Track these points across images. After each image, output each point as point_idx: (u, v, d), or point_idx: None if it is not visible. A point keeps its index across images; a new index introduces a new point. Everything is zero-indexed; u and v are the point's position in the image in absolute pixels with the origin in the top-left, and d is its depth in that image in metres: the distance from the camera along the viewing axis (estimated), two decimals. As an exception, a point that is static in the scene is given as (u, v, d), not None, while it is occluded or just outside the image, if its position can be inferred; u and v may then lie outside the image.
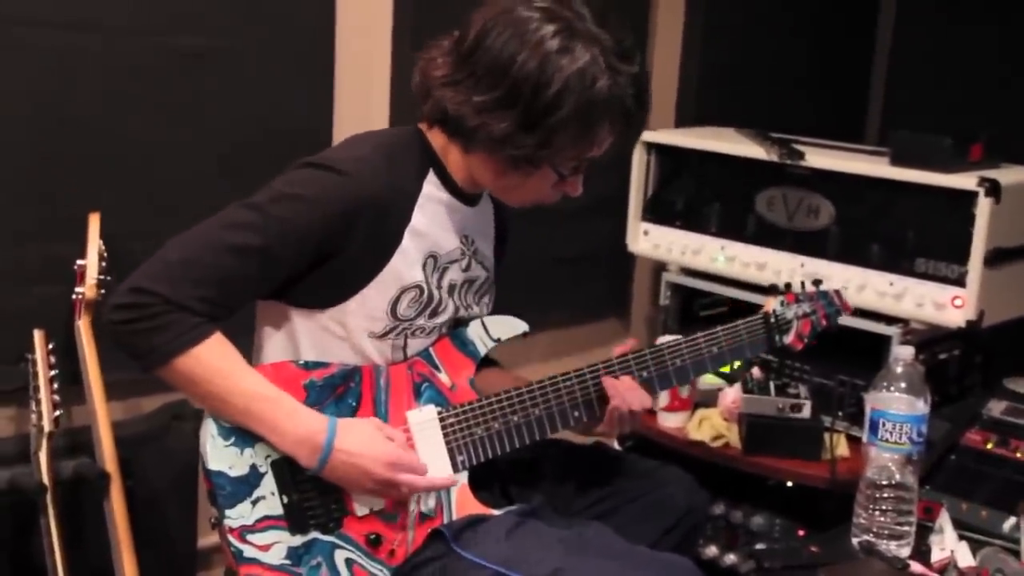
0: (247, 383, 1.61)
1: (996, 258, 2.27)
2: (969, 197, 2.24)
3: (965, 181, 2.26)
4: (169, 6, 2.16)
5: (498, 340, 1.80)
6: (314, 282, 1.66)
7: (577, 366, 1.80)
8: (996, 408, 2.23)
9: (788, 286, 2.01)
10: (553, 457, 1.95)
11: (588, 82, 1.60)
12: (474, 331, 1.80)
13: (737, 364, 2.43)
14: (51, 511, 1.93)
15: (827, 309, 2.02)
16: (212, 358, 1.59)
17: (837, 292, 2.06)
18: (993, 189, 2.22)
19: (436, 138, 1.74)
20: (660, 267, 2.85)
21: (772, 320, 1.95)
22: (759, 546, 2.18)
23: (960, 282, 2.28)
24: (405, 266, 1.69)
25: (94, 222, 2.05)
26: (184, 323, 1.57)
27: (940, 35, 3.37)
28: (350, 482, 1.64)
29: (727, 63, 3.16)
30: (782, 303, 1.98)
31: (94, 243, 2.04)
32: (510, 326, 1.83)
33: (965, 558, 1.83)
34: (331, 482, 1.64)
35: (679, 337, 1.88)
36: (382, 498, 1.67)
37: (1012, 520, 1.90)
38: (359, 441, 1.62)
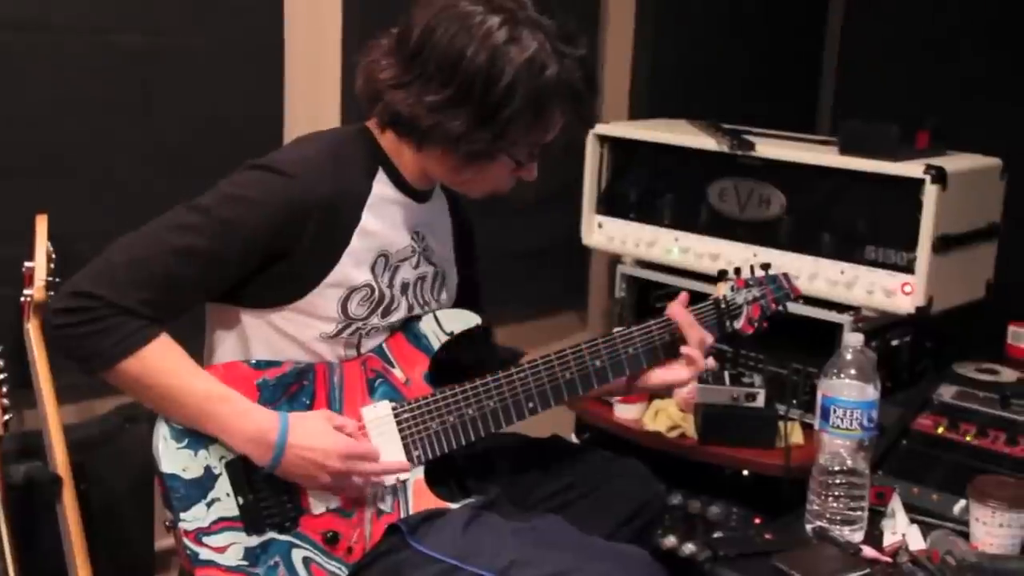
0: (196, 383, 1.60)
1: (944, 244, 2.30)
2: (916, 184, 2.27)
3: (912, 169, 2.28)
4: (117, 5, 2.14)
5: (451, 334, 1.80)
6: (263, 284, 1.65)
7: (533, 359, 1.81)
8: (946, 393, 2.26)
9: (738, 271, 2.03)
10: (510, 450, 1.96)
11: (537, 70, 1.61)
12: (427, 325, 1.80)
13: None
14: (2, 516, 1.91)
15: (776, 293, 2.03)
16: (159, 360, 1.58)
17: (785, 276, 2.07)
18: (939, 176, 2.25)
19: (386, 137, 1.73)
20: (615, 259, 2.86)
21: (723, 305, 1.96)
22: (716, 535, 2.20)
23: (909, 269, 2.30)
24: (354, 267, 1.69)
25: (42, 223, 2.03)
26: (128, 326, 1.56)
27: (890, 24, 3.40)
28: (305, 477, 1.63)
29: (679, 55, 3.18)
30: (732, 288, 1.99)
31: (42, 244, 2.01)
32: (463, 319, 1.83)
33: (916, 541, 1.85)
34: (286, 479, 1.64)
35: (631, 326, 1.90)
36: (338, 492, 1.67)
37: (962, 503, 1.92)
38: (312, 435, 1.62)
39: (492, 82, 1.59)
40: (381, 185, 1.73)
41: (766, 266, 2.05)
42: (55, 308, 1.58)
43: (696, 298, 1.98)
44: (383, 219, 1.73)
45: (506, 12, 1.61)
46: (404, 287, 1.77)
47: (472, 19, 1.60)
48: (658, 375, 1.90)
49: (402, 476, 1.72)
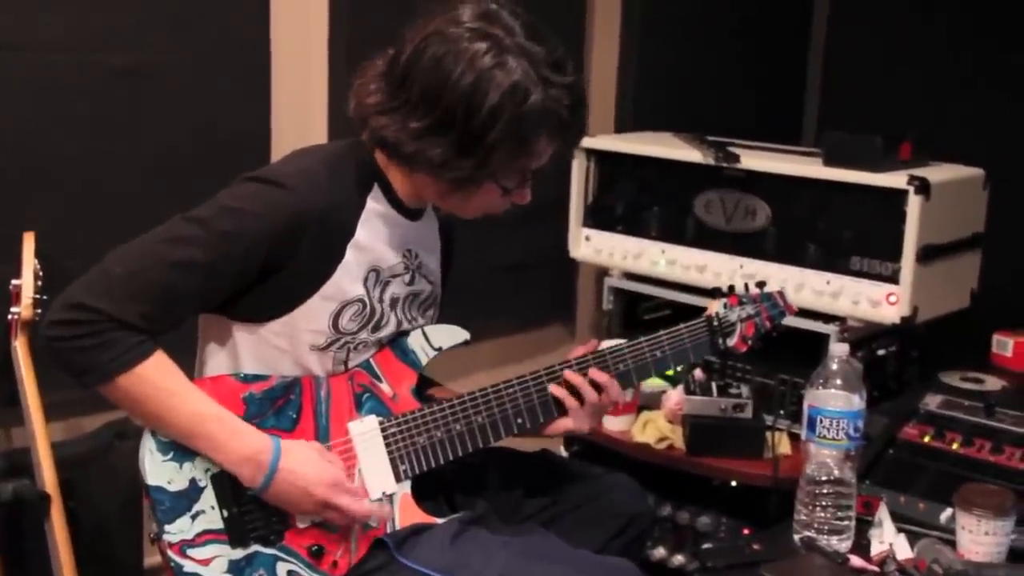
0: (190, 402, 1.60)
1: (928, 255, 2.32)
2: (900, 195, 2.29)
3: (895, 180, 2.30)
4: (103, 22, 2.14)
5: (439, 349, 1.81)
6: (257, 296, 1.65)
7: (521, 373, 1.81)
8: (932, 402, 2.27)
9: (732, 288, 2.02)
10: (498, 465, 1.95)
11: (520, 97, 1.60)
12: (415, 340, 1.80)
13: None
14: (-10, 534, 1.91)
15: (771, 311, 2.02)
16: (155, 376, 1.58)
17: (780, 293, 2.06)
18: (923, 187, 2.27)
19: (379, 156, 1.74)
20: (602, 272, 2.87)
21: (715, 323, 1.95)
22: (705, 546, 2.20)
23: (894, 279, 2.32)
24: (347, 280, 1.69)
25: (28, 241, 2.03)
26: (127, 341, 1.55)
27: (874, 36, 3.43)
28: (291, 501, 1.63)
29: (664, 68, 3.19)
30: (725, 306, 1.98)
31: (29, 262, 2.01)
32: (451, 335, 1.83)
33: (903, 550, 1.85)
34: (270, 502, 1.63)
35: (622, 342, 1.89)
36: (320, 519, 1.67)
37: (948, 511, 1.93)
38: (303, 461, 1.62)
39: (475, 108, 1.59)
40: (375, 201, 1.73)
41: (761, 284, 2.04)
42: (51, 320, 1.56)
43: (685, 312, 1.97)
44: (375, 234, 1.73)
45: (493, 38, 1.61)
46: (393, 302, 1.78)
47: (459, 44, 1.60)
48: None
49: (388, 490, 1.72)
